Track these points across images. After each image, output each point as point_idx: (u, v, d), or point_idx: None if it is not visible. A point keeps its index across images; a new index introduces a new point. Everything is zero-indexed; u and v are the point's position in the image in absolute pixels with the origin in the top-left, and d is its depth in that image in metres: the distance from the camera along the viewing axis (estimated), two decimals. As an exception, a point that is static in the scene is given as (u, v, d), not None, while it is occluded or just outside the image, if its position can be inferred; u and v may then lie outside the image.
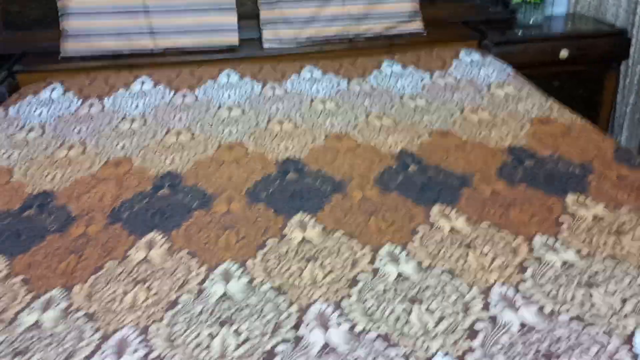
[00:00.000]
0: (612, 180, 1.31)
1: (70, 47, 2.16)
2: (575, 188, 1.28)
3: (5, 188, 1.41)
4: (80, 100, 1.93)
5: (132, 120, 1.78)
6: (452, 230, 1.13)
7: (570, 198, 1.24)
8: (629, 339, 0.83)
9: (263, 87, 1.97)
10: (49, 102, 1.92)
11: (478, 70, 2.05)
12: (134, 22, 2.15)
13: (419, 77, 2.03)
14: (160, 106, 1.87)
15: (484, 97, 1.86)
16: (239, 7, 2.24)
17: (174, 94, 1.95)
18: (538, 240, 1.09)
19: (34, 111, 1.86)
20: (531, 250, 1.06)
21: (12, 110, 1.87)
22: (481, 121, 1.68)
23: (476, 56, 2.15)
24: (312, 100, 1.86)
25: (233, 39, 2.22)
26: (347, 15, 2.26)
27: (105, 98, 1.93)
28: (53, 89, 1.99)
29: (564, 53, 2.25)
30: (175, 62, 2.17)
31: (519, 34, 2.32)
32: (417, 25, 2.33)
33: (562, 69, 2.32)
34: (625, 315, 0.87)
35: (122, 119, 1.79)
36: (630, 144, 2.37)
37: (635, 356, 0.79)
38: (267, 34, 2.25)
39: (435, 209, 1.21)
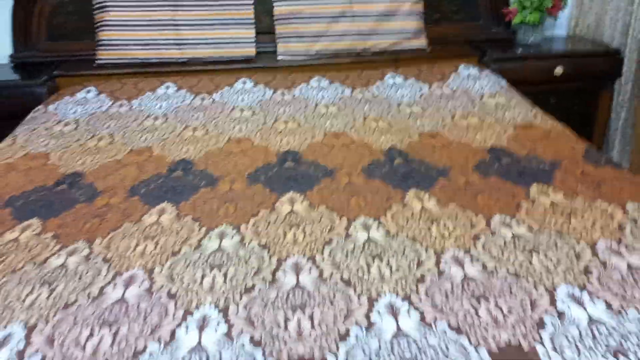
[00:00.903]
0: (576, 175, 1.45)
1: (104, 55, 2.41)
2: (541, 180, 1.42)
3: (42, 169, 1.62)
4: (112, 101, 2.16)
5: (156, 118, 1.99)
6: (422, 209, 1.29)
7: (534, 188, 1.38)
8: (552, 290, 0.97)
9: (274, 93, 2.17)
10: (83, 102, 2.15)
11: (474, 82, 2.21)
12: (163, 34, 2.40)
13: (418, 87, 2.20)
14: (181, 107, 2.08)
15: (475, 105, 2.02)
16: (257, 23, 2.46)
17: (194, 97, 2.16)
18: (497, 218, 1.23)
19: (70, 109, 2.09)
20: (488, 225, 1.20)
21: (50, 108, 2.11)
22: (469, 125, 1.84)
23: (474, 71, 2.31)
24: (316, 105, 2.05)
25: (251, 50, 2.44)
26: (356, 32, 2.46)
27: (134, 100, 2.16)
28: (88, 91, 2.23)
29: (558, 70, 2.39)
30: (198, 70, 2.39)
31: (517, 52, 2.48)
32: (421, 42, 2.51)
33: (559, 86, 2.46)
34: (552, 274, 1.01)
35: (147, 117, 2.01)
36: (623, 158, 2.48)
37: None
38: (281, 47, 2.46)
39: (411, 192, 1.37)
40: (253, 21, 2.44)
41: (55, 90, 2.31)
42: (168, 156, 1.67)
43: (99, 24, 2.41)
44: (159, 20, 2.39)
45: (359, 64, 2.45)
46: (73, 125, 1.95)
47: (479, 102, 2.05)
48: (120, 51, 2.39)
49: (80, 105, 2.12)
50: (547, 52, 2.47)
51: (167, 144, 1.76)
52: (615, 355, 0.82)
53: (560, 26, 2.79)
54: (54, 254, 1.16)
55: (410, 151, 1.65)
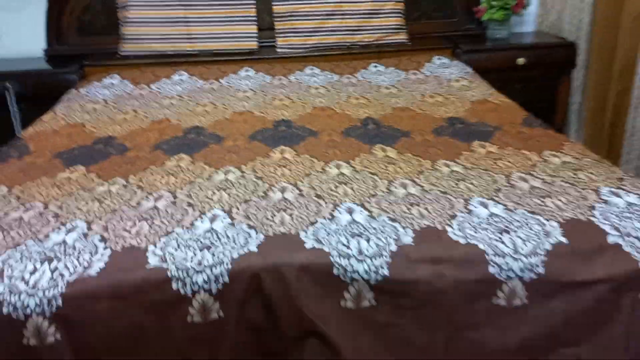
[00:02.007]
0: (512, 134, 1.80)
1: (126, 47, 2.78)
2: (482, 138, 1.78)
3: (80, 134, 1.99)
4: (133, 85, 2.52)
5: (172, 98, 2.35)
6: (384, 156, 1.64)
7: (475, 143, 1.73)
8: (467, 200, 1.32)
9: (272, 78, 2.54)
10: (109, 86, 2.52)
11: (444, 70, 2.56)
12: (177, 30, 2.76)
13: (396, 74, 2.56)
14: (193, 90, 2.44)
15: (443, 87, 2.37)
16: (258, 20, 2.83)
17: (204, 82, 2.53)
18: (440, 162, 1.59)
19: (98, 92, 2.46)
20: (433, 166, 1.56)
21: (82, 91, 2.48)
22: (435, 102, 2.19)
23: (446, 60, 2.67)
24: (308, 87, 2.41)
25: (253, 44, 2.81)
26: (345, 28, 2.82)
27: (152, 84, 2.52)
28: (112, 78, 2.59)
29: (520, 60, 2.74)
30: (207, 60, 2.75)
31: (486, 44, 2.84)
32: (402, 37, 2.87)
33: (524, 74, 2.81)
34: (472, 192, 1.36)
35: (164, 97, 2.37)
36: (579, 137, 2.82)
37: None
38: (280, 41, 2.83)
39: (377, 146, 1.73)
40: (255, 18, 2.81)
41: (84, 78, 2.68)
42: (183, 124, 2.03)
43: (122, 21, 2.78)
44: (173, 17, 2.76)
45: (347, 56, 2.81)
46: (102, 104, 2.32)
47: (446, 85, 2.40)
48: (140, 44, 2.77)
49: (106, 88, 2.49)
50: (510, 45, 2.83)
51: (182, 116, 2.12)
52: (500, 232, 1.17)
53: (529, 23, 3.14)
54: (100, 184, 1.52)
55: (382, 120, 2.00)
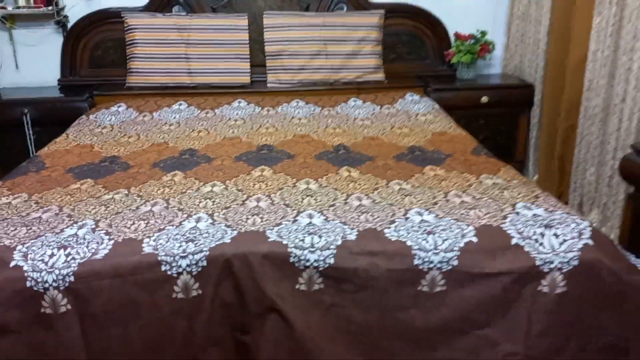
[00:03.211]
0: (460, 160, 2.10)
1: (132, 80, 3.11)
2: (434, 163, 2.08)
3: (89, 153, 2.29)
4: (137, 113, 2.84)
5: (171, 125, 2.67)
6: (348, 176, 1.94)
7: (427, 167, 2.03)
8: (407, 210, 1.60)
9: (262, 109, 2.85)
10: (115, 113, 2.83)
11: (414, 105, 2.88)
12: (178, 65, 3.10)
13: (372, 108, 2.88)
14: (190, 118, 2.76)
15: (410, 120, 2.68)
16: (252, 58, 3.17)
17: (200, 112, 2.84)
18: (394, 181, 1.88)
19: (106, 118, 2.77)
20: (387, 185, 1.85)
21: (91, 117, 2.79)
22: (401, 133, 2.51)
23: (416, 97, 2.99)
24: (292, 118, 2.72)
25: (246, 79, 3.14)
26: (329, 66, 3.16)
27: (154, 112, 2.84)
28: (119, 106, 2.91)
29: (484, 99, 3.07)
30: (204, 92, 3.08)
31: (454, 84, 3.17)
32: (379, 76, 3.20)
33: (487, 111, 3.13)
34: (412, 204, 1.65)
35: (164, 124, 2.68)
36: (536, 168, 3.13)
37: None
38: (270, 77, 3.16)
39: (344, 168, 2.02)
40: (248, 56, 3.15)
41: (93, 106, 3.01)
42: (179, 147, 2.34)
43: (129, 56, 3.13)
44: (175, 54, 3.10)
45: (330, 91, 3.13)
46: (109, 129, 2.63)
47: (413, 118, 2.72)
48: (145, 77, 3.10)
49: (113, 115, 2.81)
50: (476, 85, 3.16)
51: (179, 140, 2.43)
52: (427, 234, 1.46)
53: (496, 66, 3.49)
54: (105, 194, 1.81)
55: (352, 147, 2.31)
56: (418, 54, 3.37)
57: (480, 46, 3.15)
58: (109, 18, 3.18)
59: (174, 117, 2.77)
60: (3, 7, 3.03)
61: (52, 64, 3.23)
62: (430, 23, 3.32)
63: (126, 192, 1.82)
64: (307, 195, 1.74)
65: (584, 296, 1.43)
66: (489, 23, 3.35)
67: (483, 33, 3.22)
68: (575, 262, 1.43)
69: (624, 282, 1.43)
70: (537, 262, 1.42)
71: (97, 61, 3.25)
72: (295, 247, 1.41)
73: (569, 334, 1.45)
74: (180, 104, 2.93)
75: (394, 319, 1.42)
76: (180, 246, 1.41)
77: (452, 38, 3.31)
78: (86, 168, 2.11)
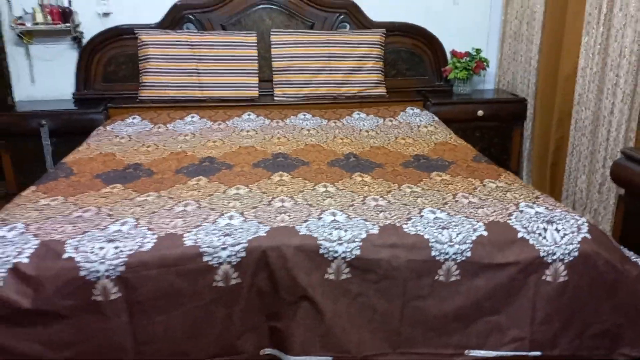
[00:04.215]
0: (463, 167, 2.27)
1: (145, 94, 3.25)
2: (440, 170, 2.24)
3: (113, 161, 2.42)
4: (152, 124, 2.97)
5: (186, 135, 2.80)
6: (361, 180, 2.09)
7: (433, 173, 2.19)
8: (421, 209, 1.75)
9: (271, 121, 3.00)
10: (131, 125, 2.97)
11: (415, 118, 3.06)
12: (189, 79, 3.25)
13: (375, 120, 3.04)
14: (203, 129, 2.90)
15: (413, 131, 2.85)
16: (260, 73, 3.33)
17: (213, 123, 2.99)
18: (405, 185, 2.03)
19: (123, 129, 2.90)
20: (399, 188, 2.00)
21: (108, 128, 2.92)
22: (405, 143, 2.67)
23: (417, 110, 3.16)
24: (301, 129, 2.88)
25: (254, 93, 3.30)
26: (333, 81, 3.33)
27: (168, 124, 2.98)
28: (133, 118, 3.05)
29: (480, 112, 3.26)
30: (214, 106, 3.23)
31: (451, 98, 3.36)
32: (381, 91, 3.38)
33: (482, 124, 3.32)
34: (425, 205, 1.81)
35: (179, 134, 2.82)
36: (529, 178, 3.31)
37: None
38: (277, 91, 3.32)
39: (356, 174, 2.18)
40: (257, 71, 3.31)
41: (108, 118, 3.14)
42: (198, 155, 2.47)
43: (142, 71, 3.27)
44: (186, 69, 3.25)
45: (334, 105, 3.30)
46: (127, 139, 2.76)
47: (415, 130, 2.89)
48: (157, 90, 3.24)
49: (129, 126, 2.94)
50: (472, 99, 3.35)
51: (196, 149, 2.57)
52: (441, 228, 1.61)
53: (490, 81, 3.69)
54: (137, 196, 1.94)
55: (361, 155, 2.46)
56: (417, 70, 3.56)
57: (475, 63, 3.35)
58: (123, 34, 3.32)
59: (188, 128, 2.91)
60: (22, 24, 3.16)
61: (67, 77, 3.36)
62: (428, 41, 3.52)
63: (157, 194, 1.95)
64: (327, 197, 1.89)
65: (582, 284, 1.59)
66: (483, 41, 3.56)
67: (478, 51, 3.42)
68: (575, 254, 1.58)
69: (619, 270, 1.59)
70: (541, 254, 1.58)
71: (110, 75, 3.39)
72: (325, 240, 1.55)
73: (569, 319, 1.60)
74: (193, 116, 3.07)
75: (413, 307, 1.56)
76: (220, 239, 1.54)
77: (449, 55, 3.51)
78: (112, 174, 2.24)
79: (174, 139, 2.74)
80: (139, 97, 3.26)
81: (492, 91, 3.63)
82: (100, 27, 3.31)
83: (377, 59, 3.38)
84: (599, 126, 2.63)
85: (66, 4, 3.21)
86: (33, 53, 3.31)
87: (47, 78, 3.37)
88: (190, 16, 3.34)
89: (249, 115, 3.10)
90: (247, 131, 2.85)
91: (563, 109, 2.89)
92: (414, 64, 3.56)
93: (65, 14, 3.20)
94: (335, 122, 3.01)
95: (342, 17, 3.45)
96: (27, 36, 3.24)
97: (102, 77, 3.39)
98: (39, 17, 3.17)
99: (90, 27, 3.30)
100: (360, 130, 2.90)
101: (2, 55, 3.25)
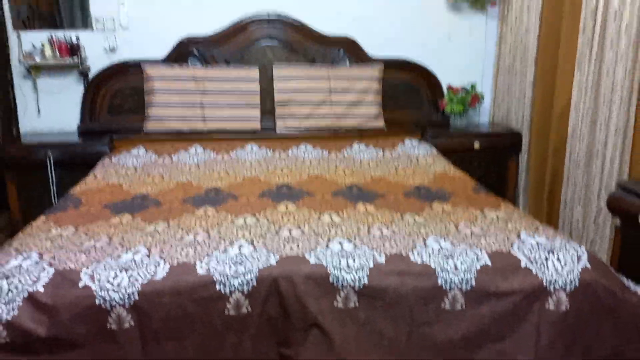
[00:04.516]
0: (463, 197, 2.33)
1: (150, 126, 3.32)
2: (441, 200, 2.30)
3: (120, 191, 2.47)
4: (157, 156, 3.03)
5: (190, 167, 2.86)
6: (364, 210, 2.14)
7: (435, 203, 2.25)
8: (425, 238, 1.80)
9: (273, 153, 3.07)
10: (136, 156, 3.02)
11: (414, 149, 3.13)
12: (193, 112, 3.33)
13: (375, 152, 3.12)
14: (208, 160, 2.96)
15: (412, 163, 2.93)
16: (262, 106, 3.41)
17: (216, 155, 3.05)
18: (408, 214, 2.09)
19: (128, 160, 2.96)
20: (402, 218, 2.05)
21: (114, 159, 2.97)
22: (406, 174, 2.74)
23: (415, 143, 3.24)
24: (303, 160, 2.94)
25: (257, 125, 3.37)
26: (333, 114, 3.41)
27: (173, 155, 3.04)
28: (139, 149, 3.10)
29: (476, 144, 3.35)
30: (218, 138, 3.29)
31: (448, 131, 3.45)
32: (379, 123, 3.47)
33: (478, 155, 3.40)
34: (428, 233, 1.86)
35: (184, 165, 2.88)
36: (526, 208, 3.37)
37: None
38: (279, 123, 3.40)
39: (359, 203, 2.23)
40: (259, 104, 3.40)
41: (113, 150, 3.19)
42: (204, 185, 2.53)
43: (148, 104, 3.34)
44: (191, 102, 3.33)
45: (335, 137, 3.37)
46: (132, 170, 2.81)
47: (415, 161, 2.96)
48: (162, 123, 3.31)
49: (134, 158, 3.00)
50: (468, 132, 3.45)
51: (202, 180, 2.62)
52: (447, 258, 1.65)
53: (484, 114, 3.79)
54: (147, 226, 1.98)
55: (363, 186, 2.53)
56: (414, 103, 3.66)
57: (471, 97, 3.45)
58: (129, 68, 3.41)
59: (193, 160, 2.96)
60: (31, 58, 3.24)
61: (72, 110, 3.43)
62: (425, 76, 3.63)
63: (166, 224, 1.99)
64: (333, 226, 1.94)
65: (584, 312, 1.63)
66: (478, 75, 3.69)
67: (473, 86, 3.53)
68: (576, 283, 1.63)
69: (619, 298, 1.63)
70: (544, 283, 1.63)
71: (115, 108, 3.46)
72: (334, 268, 1.60)
73: (572, 345, 1.64)
74: (197, 148, 3.13)
75: (420, 333, 1.60)
76: (231, 268, 1.58)
77: (445, 89, 3.61)
78: (121, 204, 2.28)
79: (179, 170, 2.80)
80: (144, 129, 3.32)
81: (488, 124, 3.73)
82: (107, 62, 3.40)
83: (375, 93, 3.48)
84: (593, 159, 2.72)
85: (74, 40, 3.30)
86: (40, 86, 3.38)
87: (53, 110, 3.44)
88: (195, 51, 3.44)
89: (251, 147, 3.16)
90: (251, 162, 2.91)
91: (557, 142, 2.98)
92: (411, 97, 3.66)
93: (73, 49, 3.29)
94: (336, 154, 3.08)
95: (341, 52, 3.56)
96: (35, 70, 3.32)
97: (107, 110, 3.46)
98: (48, 52, 3.26)
99: (97, 61, 3.39)
100: (361, 161, 2.97)
101: (10, 88, 3.32)
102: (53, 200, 3.07)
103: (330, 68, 3.48)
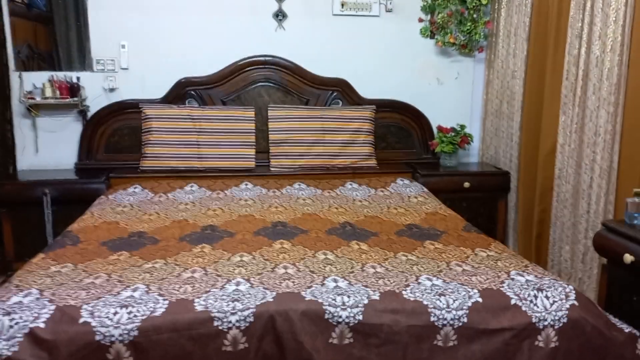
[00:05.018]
0: (454, 236, 2.39)
1: (147, 164, 3.37)
2: (432, 239, 2.36)
3: (117, 229, 2.50)
4: (153, 194, 3.07)
5: (186, 204, 2.91)
6: (358, 248, 2.20)
7: (427, 242, 2.31)
8: (417, 276, 1.85)
9: (268, 191, 3.13)
10: (133, 194, 3.06)
11: (405, 188, 3.21)
12: (189, 150, 3.39)
13: (367, 190, 3.19)
14: (203, 198, 3.01)
15: (404, 202, 2.99)
16: (256, 145, 3.49)
17: (212, 193, 3.10)
18: (400, 253, 2.14)
19: (124, 198, 3.00)
20: (395, 256, 2.11)
21: (110, 197, 3.01)
22: (398, 212, 2.80)
23: (407, 181, 3.32)
24: (297, 198, 3.00)
25: (251, 163, 3.44)
26: (327, 153, 3.50)
27: (169, 193, 3.08)
28: (135, 188, 3.15)
29: (466, 184, 3.43)
30: (213, 175, 3.35)
31: (439, 170, 3.54)
32: (372, 162, 3.55)
33: (469, 194, 3.48)
34: (421, 272, 1.91)
35: (180, 203, 2.92)
36: (515, 247, 3.44)
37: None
38: (273, 162, 3.47)
39: (353, 242, 2.28)
40: (254, 143, 3.47)
41: (109, 187, 3.24)
42: (199, 223, 2.57)
43: (144, 143, 3.41)
44: (186, 141, 3.40)
45: (328, 175, 3.44)
46: (129, 207, 2.85)
47: (406, 200, 3.03)
48: (158, 161, 3.37)
49: (130, 195, 3.04)
50: (458, 172, 3.54)
51: (197, 217, 2.67)
52: (439, 295, 1.70)
53: (473, 155, 3.90)
54: (145, 263, 2.01)
55: (357, 224, 2.58)
56: (405, 143, 3.76)
57: (460, 138, 3.56)
58: (127, 108, 3.49)
59: (188, 197, 3.01)
60: (32, 98, 3.32)
61: (69, 148, 3.49)
62: (416, 117, 3.74)
63: (164, 261, 2.03)
64: (328, 264, 1.98)
65: (573, 349, 1.68)
66: (467, 117, 3.80)
67: (462, 127, 3.64)
68: (565, 320, 1.68)
69: (606, 336, 1.68)
70: (533, 320, 1.68)
71: (112, 146, 3.52)
72: (329, 305, 1.64)
73: (562, 382, 1.68)
74: (192, 186, 3.18)
75: (413, 370, 1.63)
76: (229, 304, 1.62)
77: (435, 130, 3.72)
78: (118, 242, 2.31)
79: (174, 208, 2.84)
80: (141, 167, 3.38)
81: (477, 164, 3.83)
82: (106, 101, 3.47)
83: (368, 133, 3.57)
84: (579, 199, 2.80)
85: (75, 80, 3.39)
86: (39, 125, 3.44)
87: (51, 148, 3.48)
88: (193, 92, 3.53)
89: (246, 185, 3.22)
90: (246, 200, 2.96)
91: (545, 183, 3.07)
92: (403, 137, 3.76)
93: (73, 89, 3.37)
94: (329, 192, 3.14)
95: (335, 94, 3.67)
96: (35, 109, 3.39)
97: (104, 148, 3.52)
98: (48, 92, 3.33)
99: (96, 101, 3.47)
100: (354, 199, 3.03)
101: (9, 127, 3.38)
102: (48, 238, 3.09)
103: (324, 109, 3.59)
